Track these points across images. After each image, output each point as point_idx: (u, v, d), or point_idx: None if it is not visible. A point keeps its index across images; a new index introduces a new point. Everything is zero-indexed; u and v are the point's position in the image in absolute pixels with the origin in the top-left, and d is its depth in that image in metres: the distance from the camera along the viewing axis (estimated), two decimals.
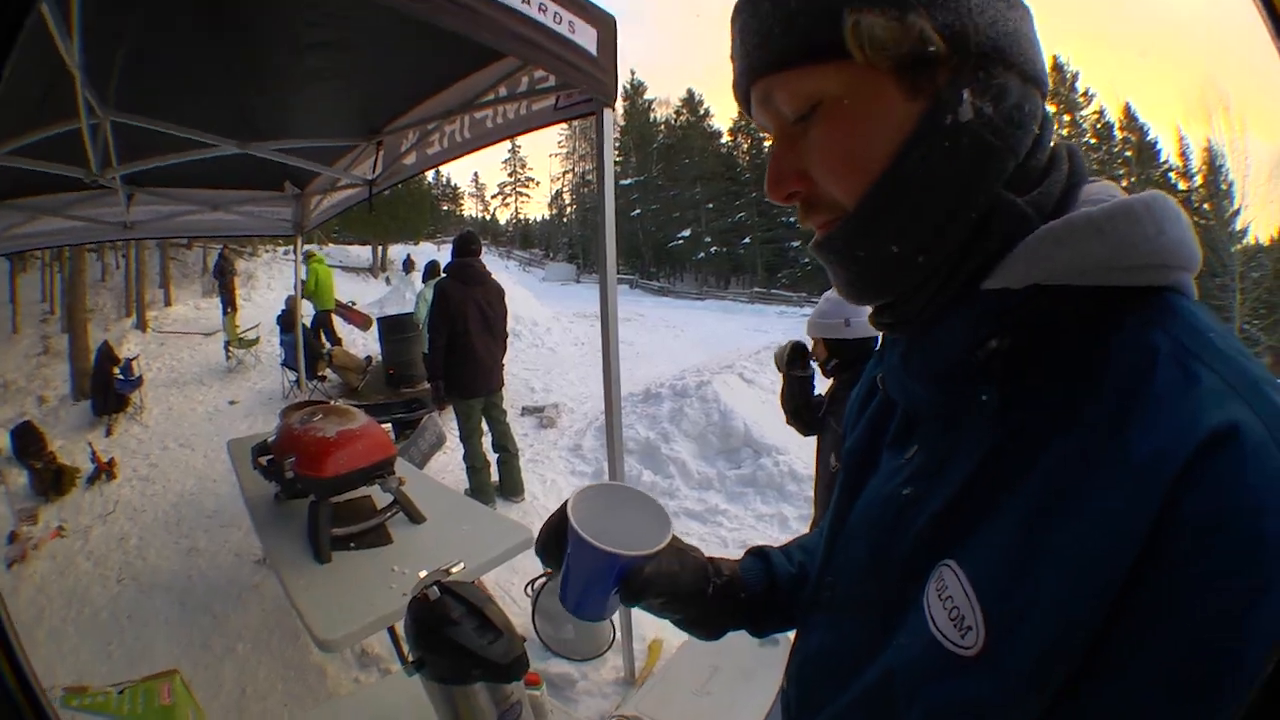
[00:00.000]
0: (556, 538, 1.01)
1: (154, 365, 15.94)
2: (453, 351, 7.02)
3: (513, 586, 4.86)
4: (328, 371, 12.55)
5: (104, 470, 9.24)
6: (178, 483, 8.93)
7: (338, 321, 15.73)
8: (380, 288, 29.46)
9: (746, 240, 66.51)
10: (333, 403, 4.98)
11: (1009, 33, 0.74)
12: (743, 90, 0.85)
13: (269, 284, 25.79)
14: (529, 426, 10.53)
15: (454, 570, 1.64)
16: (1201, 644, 0.53)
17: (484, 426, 7.41)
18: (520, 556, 3.75)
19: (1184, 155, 50.27)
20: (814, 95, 0.76)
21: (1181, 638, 0.54)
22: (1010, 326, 0.72)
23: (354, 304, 18.82)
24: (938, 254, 0.76)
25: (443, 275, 7.54)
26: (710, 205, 70.06)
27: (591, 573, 0.96)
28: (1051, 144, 0.79)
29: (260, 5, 3.51)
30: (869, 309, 0.90)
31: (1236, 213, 41.83)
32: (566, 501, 0.99)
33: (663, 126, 78.75)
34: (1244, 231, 42.04)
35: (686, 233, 70.54)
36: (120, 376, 12.39)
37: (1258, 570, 0.52)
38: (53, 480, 8.87)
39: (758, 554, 1.21)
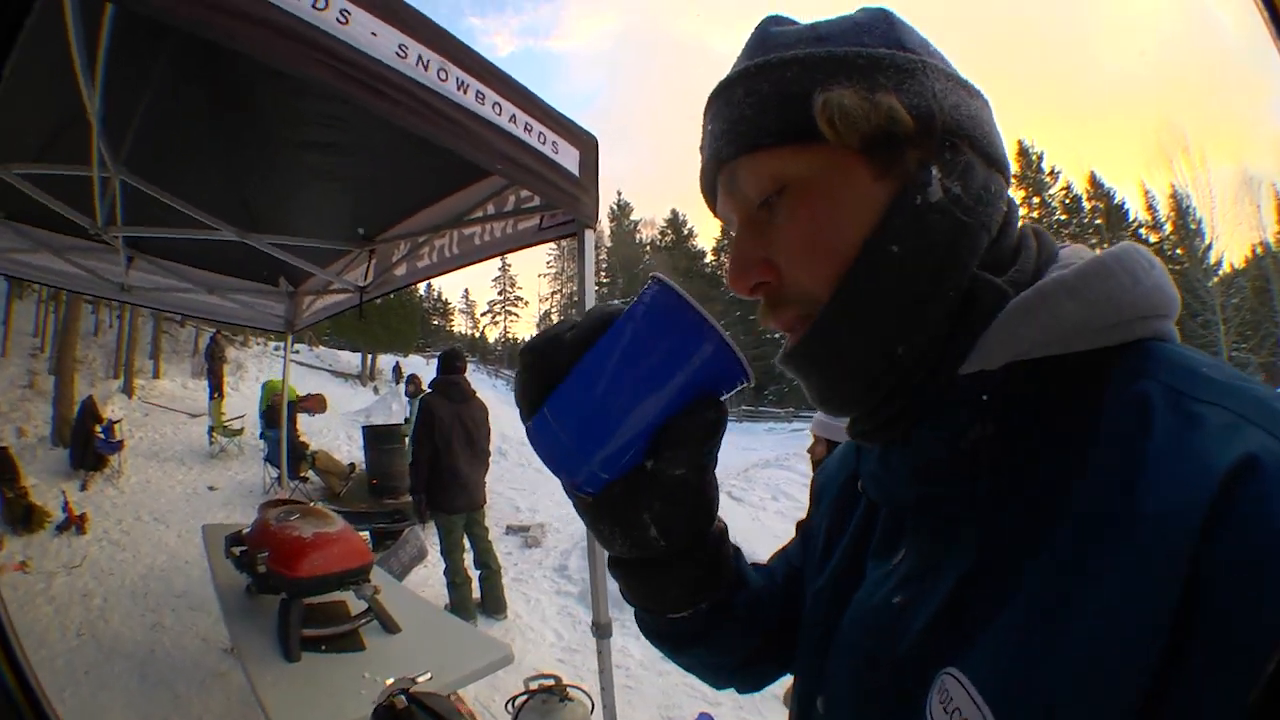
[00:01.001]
0: (580, 332, 0.70)
1: (136, 434, 16.01)
2: (436, 467, 7.07)
3: (493, 703, 4.72)
4: (310, 473, 12.47)
5: (74, 522, 9.24)
6: (148, 555, 8.84)
7: (305, 420, 15.81)
8: (368, 396, 29.39)
9: None
10: (312, 504, 4.98)
11: (971, 116, 0.75)
12: (710, 178, 0.84)
13: (257, 376, 25.56)
14: (513, 545, 10.45)
15: (420, 680, 1.60)
16: None
17: (466, 543, 7.38)
18: (501, 673, 3.68)
19: (1151, 207, 51.99)
20: (781, 177, 0.75)
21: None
22: (991, 411, 0.68)
23: (310, 395, 18.85)
24: (919, 342, 0.71)
25: (428, 391, 7.67)
26: None
27: (659, 364, 0.65)
28: (1018, 227, 0.78)
29: (270, 96, 3.60)
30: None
31: (1209, 248, 43.08)
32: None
33: (649, 248, 79.81)
34: (1219, 264, 43.42)
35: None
36: (101, 436, 12.56)
37: None
38: (23, 514, 8.91)
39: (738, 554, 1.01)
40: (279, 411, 10.07)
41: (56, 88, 3.10)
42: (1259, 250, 46.20)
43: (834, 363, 0.75)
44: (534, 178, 3.22)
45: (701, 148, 0.84)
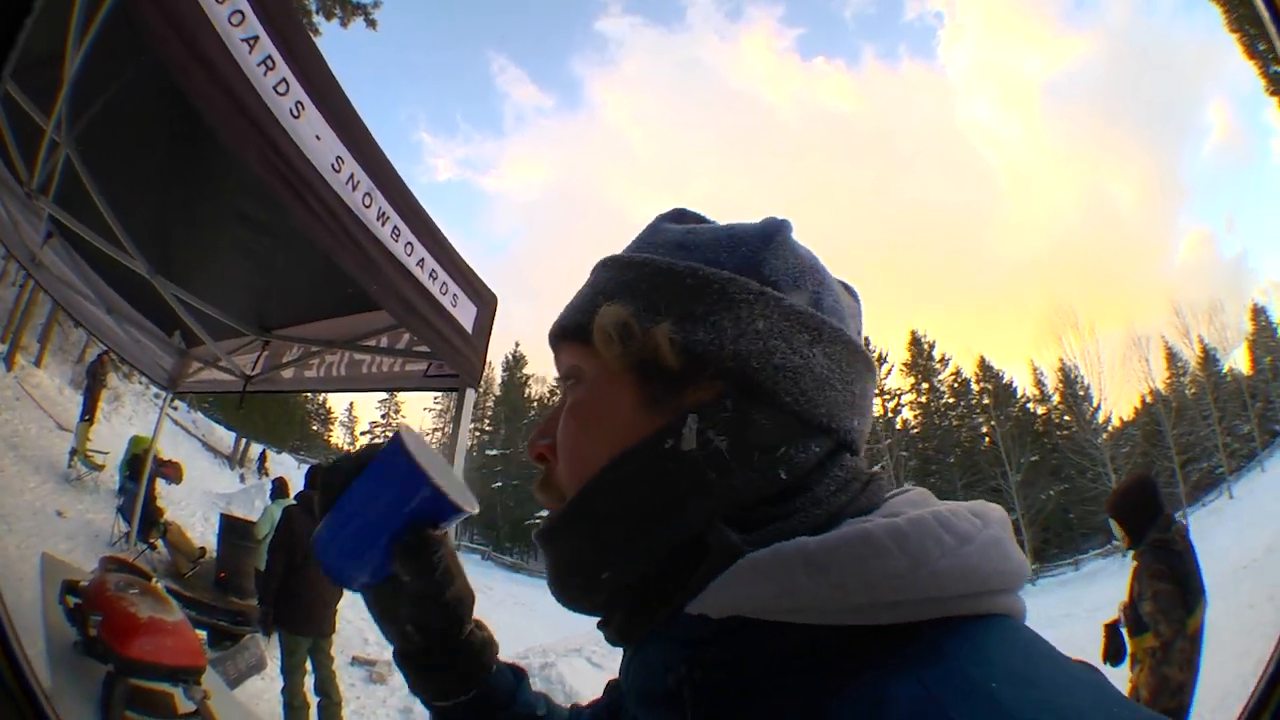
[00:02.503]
0: (351, 467, 0.87)
1: (4, 413, 15.57)
2: (288, 583, 6.73)
3: None
4: (159, 542, 11.62)
5: None
6: None
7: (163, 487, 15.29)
8: (234, 481, 28.41)
9: None
10: (154, 582, 4.79)
11: (791, 369, 0.68)
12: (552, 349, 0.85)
13: (131, 418, 24.60)
14: (358, 677, 10.01)
15: None
16: None
17: (308, 666, 6.98)
18: None
19: (1039, 383, 55.51)
20: (575, 372, 0.77)
21: None
22: (701, 658, 0.62)
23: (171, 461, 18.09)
24: (625, 572, 0.69)
25: (293, 502, 7.44)
26: None
27: (388, 503, 0.83)
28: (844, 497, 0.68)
29: (226, 151, 3.52)
30: None
31: (1096, 409, 45.83)
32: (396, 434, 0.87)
33: (537, 404, 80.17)
34: (1107, 421, 46.38)
35: (545, 512, 70.02)
36: None
37: None
38: None
39: (515, 670, 1.07)
40: (143, 465, 9.75)
41: (58, 23, 2.98)
42: (1149, 399, 48.85)
43: (557, 560, 0.77)
44: (424, 325, 3.21)
45: None
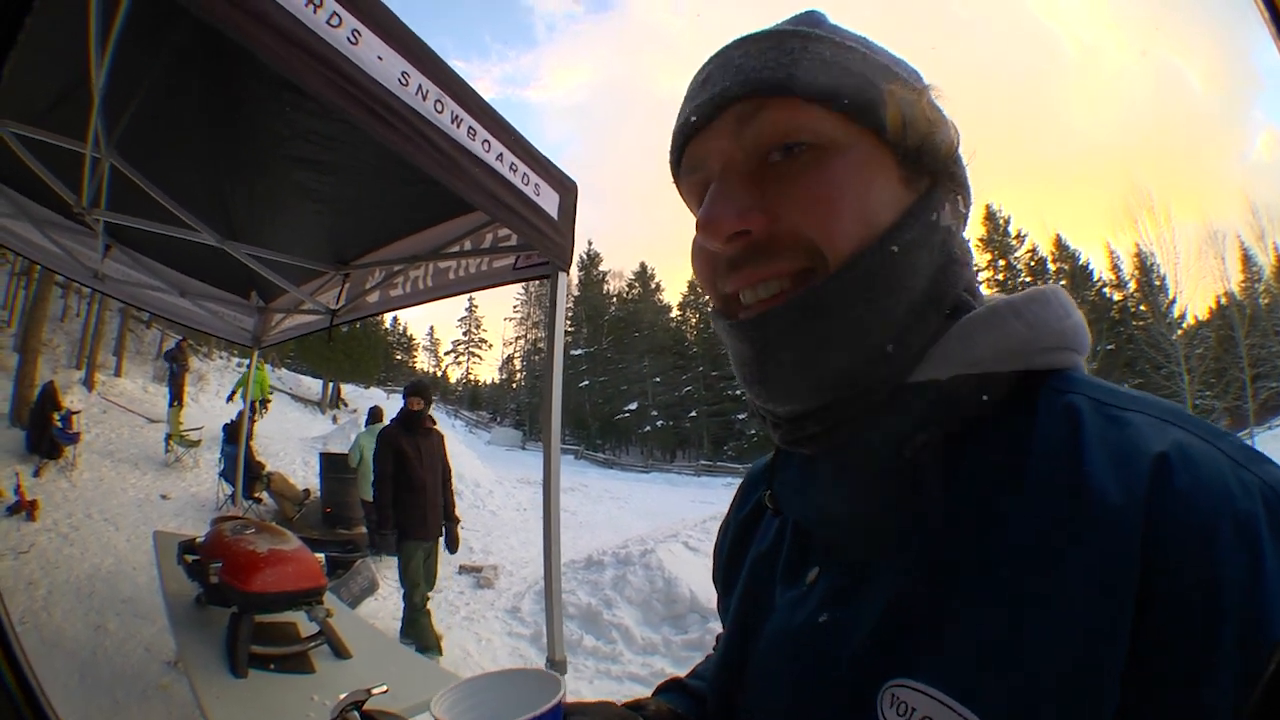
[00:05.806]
0: None
1: (93, 429, 15.74)
2: (399, 498, 7.07)
3: None
4: (264, 494, 12.31)
5: (25, 507, 9.19)
6: (96, 555, 8.68)
7: (261, 442, 15.73)
8: (327, 424, 29.00)
9: (693, 413, 66.41)
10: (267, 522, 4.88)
11: (969, 188, 0.81)
12: (717, 105, 0.75)
13: (218, 390, 25.42)
14: (465, 585, 10.32)
15: (375, 691, 1.57)
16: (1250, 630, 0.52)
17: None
18: None
19: (1115, 267, 54.15)
20: (823, 134, 0.72)
21: (1236, 629, 0.52)
22: (937, 419, 0.70)
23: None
24: (911, 342, 0.73)
25: (390, 422, 7.72)
26: (658, 379, 70.34)
27: None
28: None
29: (269, 105, 3.61)
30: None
31: (1172, 303, 43.97)
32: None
33: (615, 299, 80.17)
34: (1182, 317, 44.42)
35: (634, 405, 70.27)
36: (59, 425, 12.49)
37: (1256, 542, 0.54)
38: None
39: (676, 688, 1.09)
40: (239, 428, 9.98)
41: (68, 53, 3.07)
42: (1223, 301, 47.79)
43: (833, 327, 0.71)
44: (514, 217, 3.27)
45: (705, 84, 0.78)
